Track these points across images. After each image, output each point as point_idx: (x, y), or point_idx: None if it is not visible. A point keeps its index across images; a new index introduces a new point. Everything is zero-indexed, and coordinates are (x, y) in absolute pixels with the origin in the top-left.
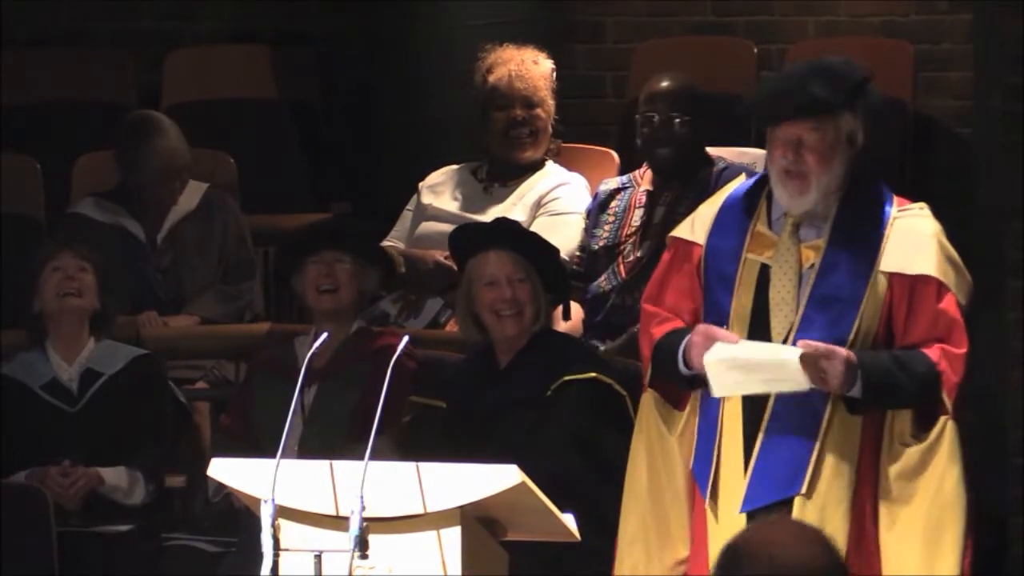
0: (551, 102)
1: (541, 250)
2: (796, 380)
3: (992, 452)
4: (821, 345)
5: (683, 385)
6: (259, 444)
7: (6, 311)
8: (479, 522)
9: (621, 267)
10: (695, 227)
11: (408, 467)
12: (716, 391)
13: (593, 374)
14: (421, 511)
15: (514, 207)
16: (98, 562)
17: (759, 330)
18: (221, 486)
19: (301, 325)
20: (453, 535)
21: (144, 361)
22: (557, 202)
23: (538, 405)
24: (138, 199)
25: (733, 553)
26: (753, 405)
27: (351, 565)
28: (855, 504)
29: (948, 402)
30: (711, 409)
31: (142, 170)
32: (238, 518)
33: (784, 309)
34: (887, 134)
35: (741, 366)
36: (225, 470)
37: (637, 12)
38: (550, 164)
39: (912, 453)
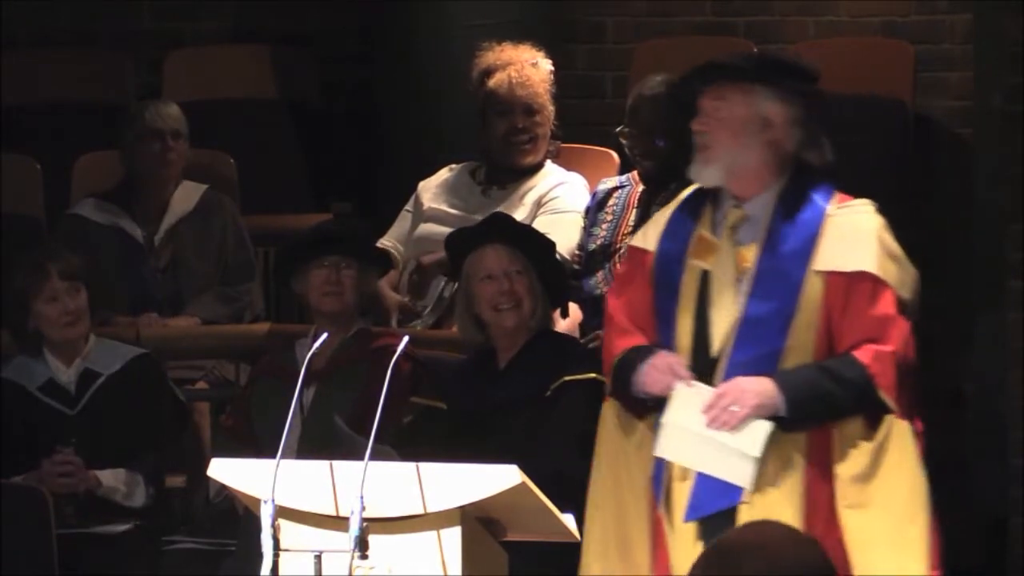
0: (551, 107)
1: (537, 243)
2: (743, 477)
3: (992, 452)
4: (713, 398)
5: (639, 407)
6: (260, 445)
7: (6, 311)
8: (479, 522)
9: (617, 267)
10: (648, 234)
11: (408, 467)
12: (659, 451)
13: (593, 374)
14: (421, 511)
15: (514, 209)
16: (98, 563)
17: (701, 342)
18: (223, 487)
19: (302, 325)
20: (453, 535)
21: (143, 361)
22: (557, 201)
23: (538, 405)
24: (137, 199)
25: (727, 552)
26: None
27: (351, 565)
28: (809, 509)
29: (890, 402)
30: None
31: (129, 168)
32: (238, 519)
33: (724, 318)
34: (887, 134)
35: (698, 438)
36: (225, 470)
37: (637, 12)
38: (549, 164)
39: (860, 455)
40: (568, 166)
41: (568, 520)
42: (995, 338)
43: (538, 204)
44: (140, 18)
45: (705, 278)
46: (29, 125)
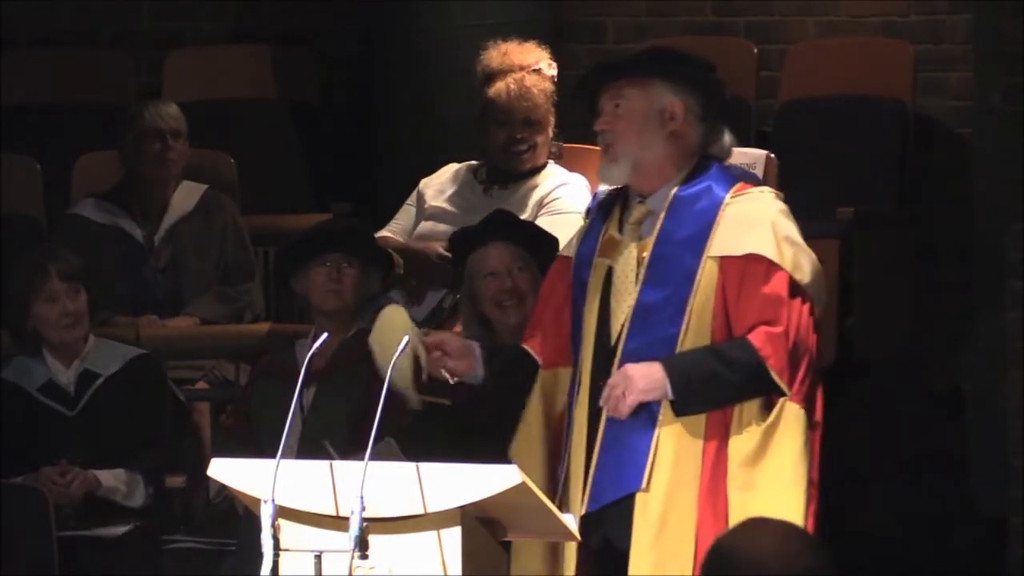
0: (551, 117)
1: (539, 239)
2: None
3: (992, 452)
4: (607, 391)
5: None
6: (260, 445)
7: (5, 311)
8: (479, 522)
9: None
10: (572, 242)
11: (408, 467)
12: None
13: None
14: (421, 511)
15: (515, 209)
16: (98, 564)
17: (603, 334)
18: (223, 487)
19: (302, 325)
20: (453, 535)
21: (142, 361)
22: (558, 201)
23: None
24: (137, 199)
25: (724, 553)
26: (596, 404)
27: (351, 565)
28: (707, 493)
29: (782, 384)
30: (568, 411)
31: (129, 168)
32: (238, 519)
33: (623, 310)
34: (887, 134)
35: None
36: (225, 470)
37: (637, 12)
38: (551, 165)
39: (750, 438)
40: (569, 166)
41: (568, 520)
42: (995, 338)
43: (540, 204)
44: (140, 18)
45: (610, 274)
46: (29, 125)
